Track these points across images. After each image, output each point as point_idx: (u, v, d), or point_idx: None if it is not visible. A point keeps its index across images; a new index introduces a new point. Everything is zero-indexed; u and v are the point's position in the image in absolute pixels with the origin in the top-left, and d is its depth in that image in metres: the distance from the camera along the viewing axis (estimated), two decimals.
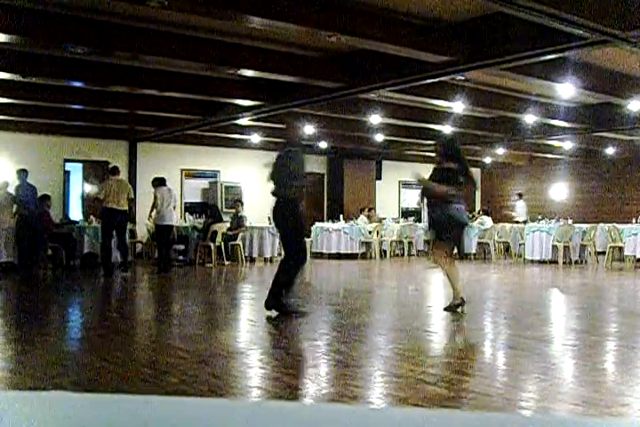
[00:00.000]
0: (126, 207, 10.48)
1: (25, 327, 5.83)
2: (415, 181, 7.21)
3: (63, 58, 8.59)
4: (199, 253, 12.72)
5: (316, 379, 3.93)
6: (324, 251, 14.69)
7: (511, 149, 17.64)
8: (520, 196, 17.94)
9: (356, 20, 6.80)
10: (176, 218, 11.62)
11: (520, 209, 17.50)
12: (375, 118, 11.98)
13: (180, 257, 13.09)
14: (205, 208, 13.95)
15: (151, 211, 11.09)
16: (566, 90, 9.59)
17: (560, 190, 19.55)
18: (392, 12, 6.98)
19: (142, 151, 15.05)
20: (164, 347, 4.84)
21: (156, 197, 10.95)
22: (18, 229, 10.73)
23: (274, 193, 6.19)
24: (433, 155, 7.23)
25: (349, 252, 14.72)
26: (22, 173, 11.22)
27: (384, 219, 16.66)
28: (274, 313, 6.07)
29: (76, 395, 0.73)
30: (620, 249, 12.77)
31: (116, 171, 10.78)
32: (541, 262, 13.44)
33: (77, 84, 9.75)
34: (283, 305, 6.08)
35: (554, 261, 13.10)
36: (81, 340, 5.38)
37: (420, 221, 17.47)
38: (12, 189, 11.45)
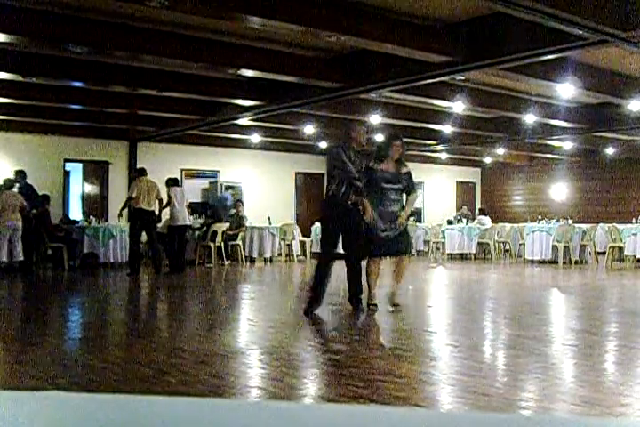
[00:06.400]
0: (154, 208, 10.61)
1: (24, 327, 5.83)
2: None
3: (63, 58, 8.59)
4: (199, 253, 12.72)
5: (316, 379, 3.93)
6: None
7: (511, 149, 17.63)
8: None
9: (355, 19, 6.81)
10: (189, 218, 11.59)
11: None
12: (375, 118, 11.97)
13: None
14: (206, 208, 13.91)
15: (163, 208, 11.06)
16: (566, 90, 9.59)
17: (560, 190, 19.54)
18: (392, 12, 6.98)
19: (142, 151, 15.04)
20: (163, 347, 4.84)
21: (169, 197, 10.96)
22: (23, 229, 10.71)
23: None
24: (394, 154, 6.26)
25: None
26: (21, 173, 11.22)
27: None
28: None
29: (76, 395, 0.73)
30: (620, 249, 12.76)
31: (143, 172, 10.81)
32: (541, 262, 13.44)
33: (77, 84, 9.76)
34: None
35: (554, 262, 13.10)
36: (81, 340, 5.38)
37: (420, 221, 17.43)
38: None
